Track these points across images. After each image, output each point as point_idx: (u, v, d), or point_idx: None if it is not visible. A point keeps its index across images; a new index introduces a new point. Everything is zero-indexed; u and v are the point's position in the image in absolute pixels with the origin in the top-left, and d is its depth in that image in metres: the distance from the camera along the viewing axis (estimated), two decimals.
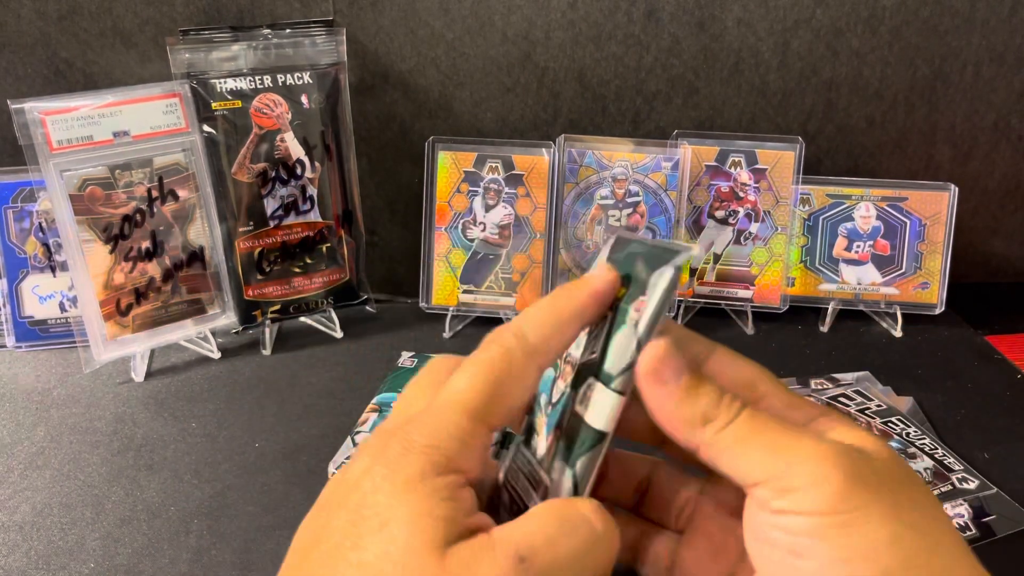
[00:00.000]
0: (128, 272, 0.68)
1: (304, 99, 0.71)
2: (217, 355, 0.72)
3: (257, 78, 0.70)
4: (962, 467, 0.55)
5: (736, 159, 0.76)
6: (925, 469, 0.54)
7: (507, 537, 0.25)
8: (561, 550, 0.26)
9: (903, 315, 0.76)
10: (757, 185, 0.76)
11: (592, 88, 0.78)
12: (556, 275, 0.76)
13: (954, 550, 0.26)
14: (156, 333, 0.71)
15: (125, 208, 0.68)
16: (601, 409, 0.28)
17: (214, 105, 0.69)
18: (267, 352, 0.73)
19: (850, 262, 0.77)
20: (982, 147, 0.81)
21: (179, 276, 0.71)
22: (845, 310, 0.77)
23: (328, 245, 0.75)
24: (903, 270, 0.76)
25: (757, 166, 0.75)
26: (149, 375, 0.70)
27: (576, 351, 0.31)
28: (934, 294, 0.76)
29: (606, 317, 0.30)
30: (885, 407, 0.62)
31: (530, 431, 0.32)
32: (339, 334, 0.76)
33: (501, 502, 0.31)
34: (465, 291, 0.76)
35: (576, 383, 0.29)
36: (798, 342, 0.74)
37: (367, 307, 0.79)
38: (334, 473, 0.56)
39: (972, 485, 0.53)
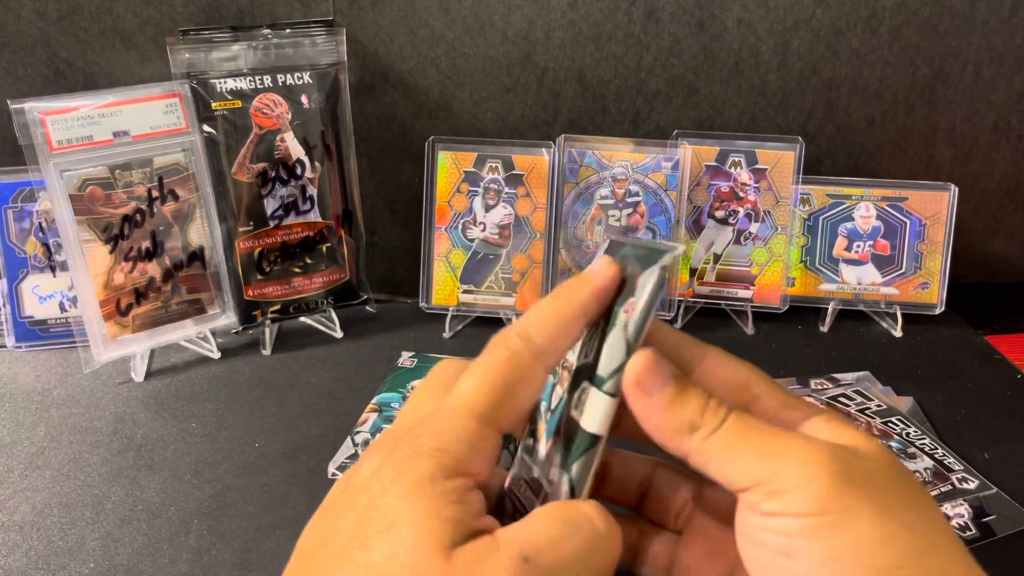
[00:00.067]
0: (128, 272, 0.68)
1: (304, 99, 0.71)
2: (217, 355, 0.72)
3: (257, 78, 0.70)
4: (962, 467, 0.55)
5: (736, 159, 0.76)
6: (925, 469, 0.54)
7: (511, 538, 0.26)
8: (564, 550, 0.26)
9: (903, 315, 0.76)
10: (757, 185, 0.76)
11: (592, 88, 0.78)
12: (556, 275, 0.76)
13: (949, 549, 0.26)
14: (156, 333, 0.71)
15: (125, 208, 0.68)
16: (594, 412, 0.28)
17: (214, 105, 0.69)
18: (267, 352, 0.73)
19: (850, 262, 0.77)
20: (982, 147, 0.81)
21: (179, 276, 0.71)
22: (845, 310, 0.77)
23: (328, 245, 0.75)
24: (903, 270, 0.76)
25: (757, 166, 0.75)
26: (149, 375, 0.70)
27: (572, 356, 0.31)
28: (934, 294, 0.76)
29: (599, 319, 0.30)
30: (885, 407, 0.62)
31: (531, 438, 0.32)
32: (339, 334, 0.76)
33: (504, 510, 0.31)
34: (465, 291, 0.76)
35: (572, 387, 0.30)
36: (798, 342, 0.74)
37: (367, 307, 0.79)
38: (335, 474, 0.56)
39: (972, 485, 0.53)
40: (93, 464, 0.58)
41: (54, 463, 0.58)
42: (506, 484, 0.32)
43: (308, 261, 0.75)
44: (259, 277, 0.74)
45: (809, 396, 0.63)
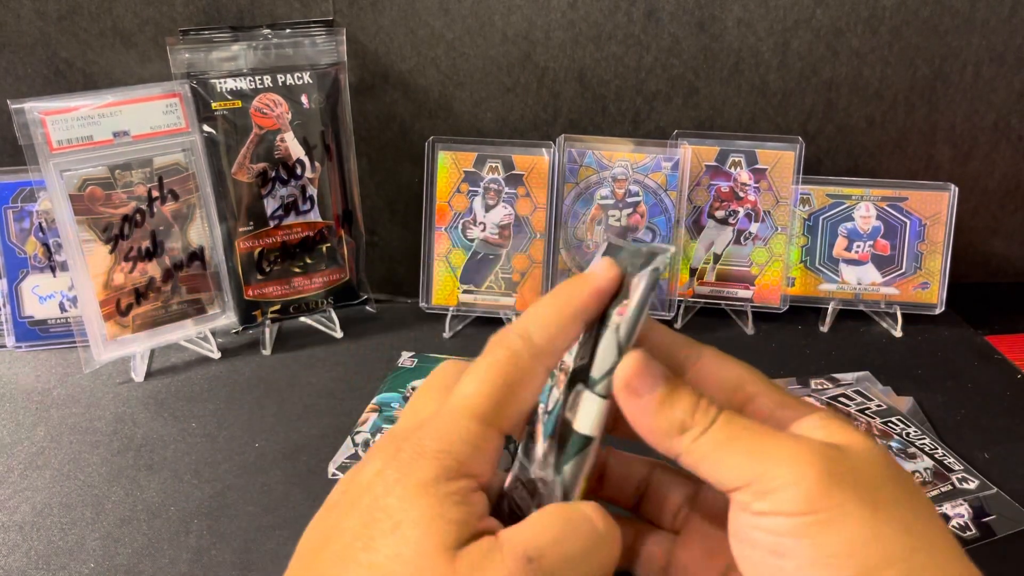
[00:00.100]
0: (128, 272, 0.68)
1: (304, 99, 0.71)
2: (217, 355, 0.72)
3: (257, 78, 0.70)
4: (962, 467, 0.55)
5: (736, 159, 0.76)
6: (925, 469, 0.54)
7: (514, 538, 0.26)
8: (567, 549, 0.26)
9: (903, 315, 0.76)
10: (757, 185, 0.76)
11: (592, 88, 0.78)
12: (556, 275, 0.76)
13: (942, 548, 0.26)
14: (156, 333, 0.71)
15: (125, 208, 0.68)
16: (587, 414, 0.28)
17: (214, 105, 0.69)
18: (267, 352, 0.73)
19: (850, 262, 0.77)
20: (982, 147, 0.81)
21: (179, 276, 0.71)
22: (845, 310, 0.77)
23: (328, 245, 0.75)
24: (903, 270, 0.76)
25: (757, 166, 0.75)
26: (149, 375, 0.69)
27: (569, 358, 0.31)
28: (934, 294, 0.76)
29: (596, 321, 0.30)
30: (885, 407, 0.62)
31: (530, 440, 0.32)
32: (339, 334, 0.76)
33: (502, 511, 0.31)
34: (465, 291, 0.76)
35: (568, 389, 0.30)
36: (798, 342, 0.74)
37: (367, 307, 0.79)
38: (335, 474, 0.56)
39: (972, 485, 0.53)
40: (93, 464, 0.58)
41: (54, 463, 0.58)
42: (505, 485, 0.32)
43: (308, 261, 0.75)
44: (259, 277, 0.74)
45: (809, 396, 0.63)
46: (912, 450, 0.56)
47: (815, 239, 0.77)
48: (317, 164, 0.73)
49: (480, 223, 0.76)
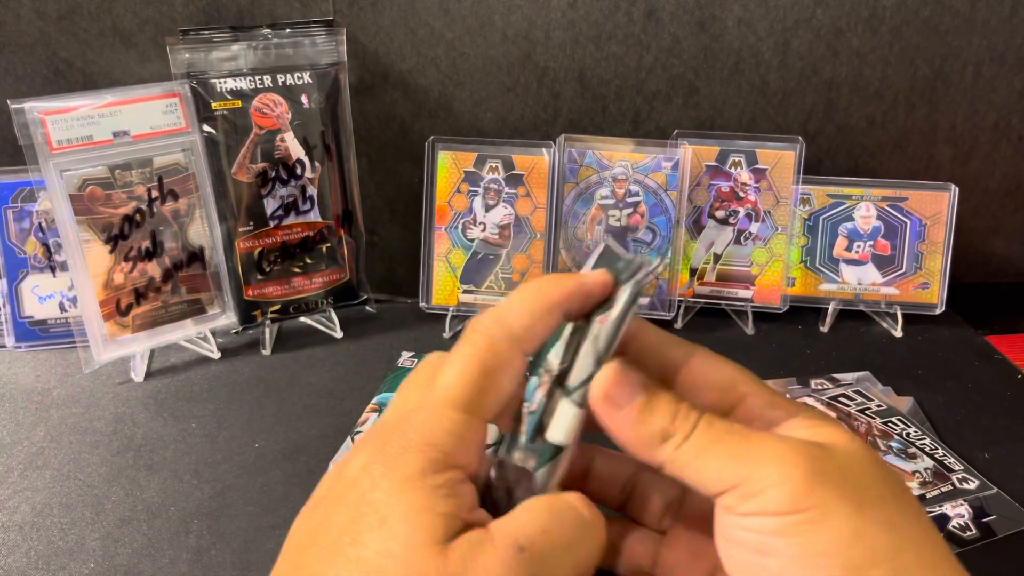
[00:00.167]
0: (128, 272, 0.68)
1: (304, 99, 0.71)
2: (217, 355, 0.72)
3: (257, 78, 0.70)
4: (962, 467, 0.55)
5: (736, 159, 0.76)
6: (925, 469, 0.54)
7: (504, 529, 0.26)
8: (555, 538, 0.26)
9: (903, 315, 0.76)
10: (757, 185, 0.76)
11: (592, 88, 0.78)
12: None
13: (926, 547, 0.26)
14: (156, 333, 0.71)
15: (125, 208, 0.67)
16: (561, 421, 0.28)
17: (214, 105, 0.69)
18: (267, 352, 0.73)
19: (850, 262, 0.77)
20: (982, 147, 0.81)
21: (179, 276, 0.71)
22: (845, 310, 0.77)
23: (328, 245, 0.75)
24: (903, 270, 0.76)
25: (757, 166, 0.75)
26: (149, 375, 0.69)
27: (555, 360, 0.31)
28: (934, 294, 0.76)
29: (579, 328, 0.30)
30: (885, 407, 0.62)
31: (513, 438, 0.32)
32: (339, 334, 0.76)
33: (489, 502, 0.31)
34: (465, 291, 0.76)
35: (550, 393, 0.30)
36: (798, 342, 0.74)
37: (367, 307, 0.79)
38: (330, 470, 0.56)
39: (972, 485, 0.53)
40: (93, 464, 0.58)
41: (54, 463, 0.58)
42: (492, 476, 0.32)
43: (308, 261, 0.75)
44: (259, 277, 0.74)
45: (809, 396, 0.63)
46: (912, 450, 0.56)
47: (815, 239, 0.77)
48: (317, 164, 0.73)
49: (480, 223, 0.76)
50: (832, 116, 0.79)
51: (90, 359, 0.67)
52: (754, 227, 0.76)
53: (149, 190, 0.68)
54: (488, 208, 0.75)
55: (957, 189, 0.75)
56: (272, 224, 0.73)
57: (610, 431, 0.28)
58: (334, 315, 0.77)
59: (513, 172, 0.75)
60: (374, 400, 0.63)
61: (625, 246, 0.75)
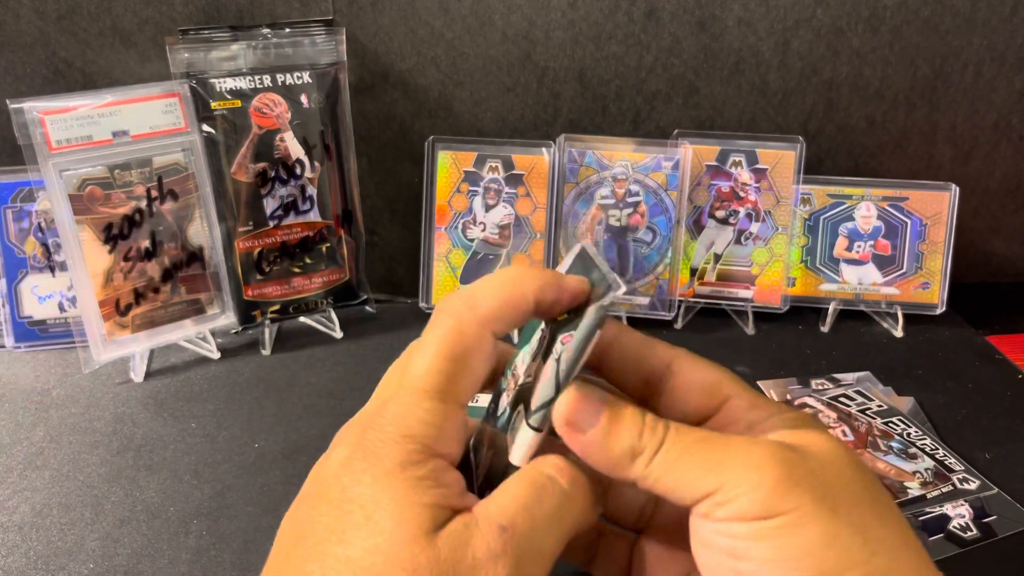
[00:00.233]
0: (127, 272, 0.68)
1: (304, 99, 0.71)
2: (216, 355, 0.72)
3: (256, 78, 0.70)
4: (963, 467, 0.55)
5: (737, 159, 0.76)
6: (926, 469, 0.54)
7: (488, 512, 0.26)
8: (536, 513, 0.26)
9: (904, 315, 0.76)
10: (758, 185, 0.76)
11: (592, 88, 0.78)
12: None
13: (901, 551, 0.25)
14: (155, 333, 0.71)
15: (124, 208, 0.67)
16: (519, 444, 0.28)
17: (213, 105, 0.69)
18: (267, 352, 0.73)
19: (851, 262, 0.77)
20: (983, 147, 0.81)
21: (178, 276, 0.71)
22: (846, 310, 0.77)
23: (328, 245, 0.75)
24: (904, 270, 0.76)
25: (758, 166, 0.75)
26: (148, 375, 0.69)
27: (522, 368, 0.30)
28: (935, 294, 0.76)
29: (544, 338, 0.30)
30: (886, 407, 0.61)
31: (479, 443, 0.32)
32: (339, 334, 0.76)
33: (467, 470, 0.31)
34: None
35: (514, 405, 0.29)
36: (799, 342, 0.74)
37: (367, 307, 0.79)
38: None
39: (973, 485, 0.53)
40: (92, 464, 0.58)
41: (53, 463, 0.58)
42: (470, 442, 0.32)
43: (308, 261, 0.75)
44: (258, 277, 0.73)
45: (810, 396, 0.63)
46: (913, 450, 0.56)
47: (816, 239, 0.77)
48: (317, 164, 0.73)
49: (480, 223, 0.76)
50: (832, 116, 0.79)
51: (89, 359, 0.67)
52: (754, 227, 0.76)
53: (148, 190, 0.68)
54: (488, 208, 0.75)
55: (958, 189, 0.75)
56: (272, 224, 0.73)
57: (579, 455, 0.28)
58: (334, 315, 0.77)
59: (513, 172, 0.75)
60: None
61: (625, 246, 0.75)
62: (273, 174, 0.71)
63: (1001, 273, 0.88)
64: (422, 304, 0.77)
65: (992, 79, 0.77)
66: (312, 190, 0.73)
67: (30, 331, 0.74)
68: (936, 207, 0.75)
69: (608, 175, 0.74)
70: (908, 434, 0.58)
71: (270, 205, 0.72)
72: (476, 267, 0.76)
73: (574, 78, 0.77)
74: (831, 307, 0.77)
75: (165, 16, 0.73)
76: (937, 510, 0.51)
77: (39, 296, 0.74)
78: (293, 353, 0.73)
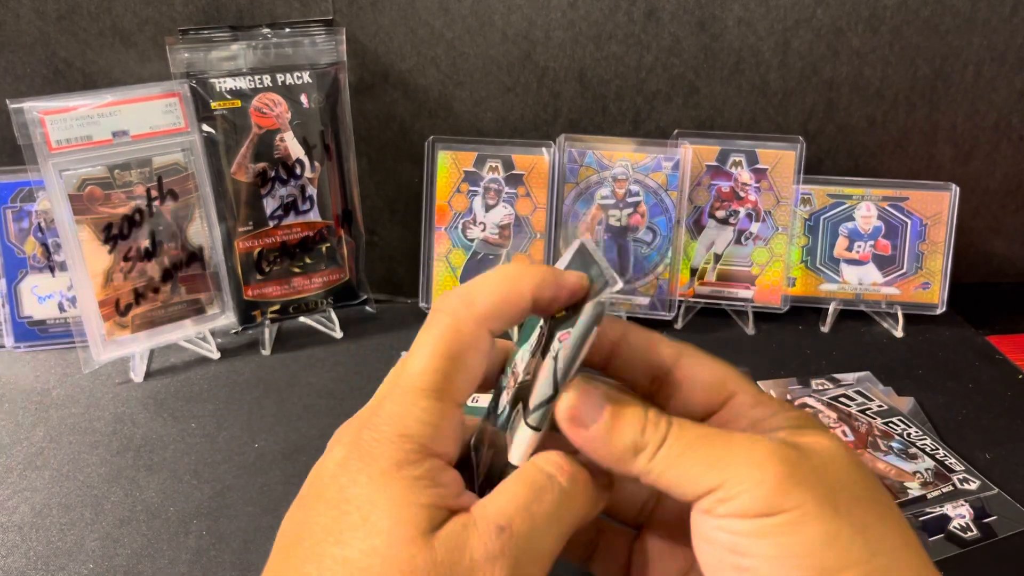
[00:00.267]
0: (127, 272, 0.68)
1: (304, 99, 0.71)
2: (216, 355, 0.72)
3: (256, 78, 0.70)
4: (963, 467, 0.55)
5: (737, 159, 0.75)
6: (926, 470, 0.54)
7: (487, 511, 0.26)
8: (535, 512, 0.26)
9: (904, 315, 0.76)
10: (758, 185, 0.76)
11: (592, 88, 0.78)
12: None
13: (901, 551, 0.26)
14: (155, 333, 0.71)
15: (124, 208, 0.67)
16: (518, 443, 0.28)
17: (213, 105, 0.69)
18: (267, 352, 0.73)
19: (851, 262, 0.77)
20: (983, 147, 0.81)
21: (178, 276, 0.71)
22: (846, 310, 0.77)
23: (328, 245, 0.75)
24: (904, 270, 0.76)
25: (758, 166, 0.75)
26: (148, 375, 0.69)
27: (521, 366, 0.30)
28: (935, 294, 0.76)
29: (543, 335, 0.30)
30: (886, 407, 0.61)
31: (480, 441, 0.32)
32: (339, 334, 0.76)
33: (466, 468, 0.31)
34: None
35: (513, 403, 0.29)
36: (799, 342, 0.74)
37: (367, 307, 0.79)
38: None
39: (973, 486, 0.53)
40: (92, 464, 0.58)
41: (53, 463, 0.58)
42: (471, 440, 0.32)
43: (308, 261, 0.75)
44: (258, 277, 0.73)
45: (810, 396, 0.63)
46: (913, 450, 0.56)
47: (816, 239, 0.77)
48: (317, 164, 0.73)
49: (480, 223, 0.76)
50: (832, 116, 0.79)
51: (89, 359, 0.67)
52: (755, 227, 0.76)
53: (148, 190, 0.68)
54: (488, 208, 0.75)
55: (958, 189, 0.75)
56: (271, 224, 0.73)
57: (583, 451, 0.28)
58: (334, 315, 0.77)
59: (513, 172, 0.75)
60: None
61: (625, 246, 0.75)
62: (273, 174, 0.71)
63: (1001, 273, 0.88)
64: (422, 304, 0.77)
65: (992, 79, 0.77)
66: (312, 190, 0.73)
67: (30, 331, 0.74)
68: (936, 207, 0.75)
69: (608, 175, 0.74)
70: (908, 434, 0.58)
71: (270, 205, 0.72)
72: (476, 267, 0.76)
73: (574, 78, 0.77)
74: (831, 307, 0.77)
75: (165, 16, 0.73)
76: (937, 510, 0.51)
77: (39, 296, 0.74)
78: (293, 353, 0.73)
